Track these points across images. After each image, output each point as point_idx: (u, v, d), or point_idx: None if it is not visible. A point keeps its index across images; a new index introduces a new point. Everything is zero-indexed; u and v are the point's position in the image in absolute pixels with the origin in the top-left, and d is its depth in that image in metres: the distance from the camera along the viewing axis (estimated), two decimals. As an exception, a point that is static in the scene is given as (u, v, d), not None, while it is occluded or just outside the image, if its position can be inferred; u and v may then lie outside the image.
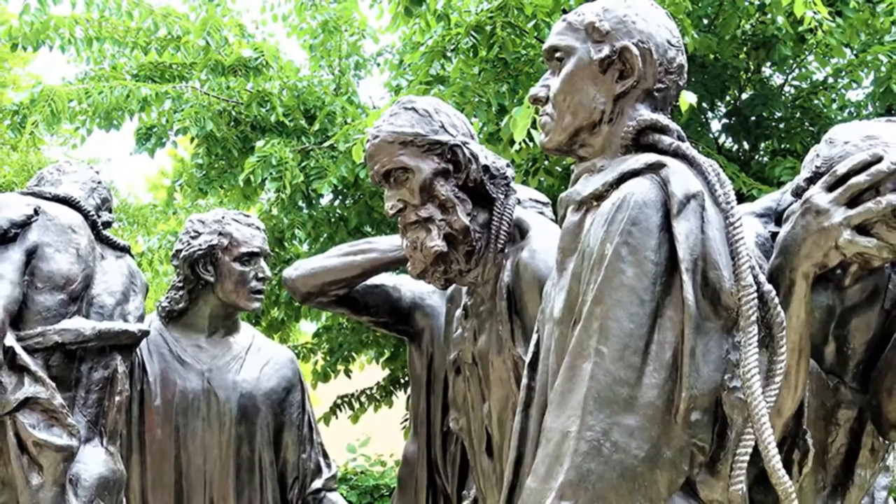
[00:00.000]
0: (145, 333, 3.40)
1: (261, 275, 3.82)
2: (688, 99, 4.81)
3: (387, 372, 8.63)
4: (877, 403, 2.35)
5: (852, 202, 2.10)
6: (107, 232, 3.43)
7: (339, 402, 8.70)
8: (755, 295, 1.94)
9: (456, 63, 6.51)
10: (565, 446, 1.88)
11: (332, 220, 7.82)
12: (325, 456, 3.99)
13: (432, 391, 3.39)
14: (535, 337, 2.29)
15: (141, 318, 3.38)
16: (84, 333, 3.15)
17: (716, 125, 7.73)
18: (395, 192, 2.78)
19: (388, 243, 3.28)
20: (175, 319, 3.85)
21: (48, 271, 3.14)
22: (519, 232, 2.80)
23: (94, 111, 7.15)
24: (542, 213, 3.35)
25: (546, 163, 6.63)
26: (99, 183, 3.53)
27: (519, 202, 2.91)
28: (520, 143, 5.57)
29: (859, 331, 2.35)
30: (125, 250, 3.45)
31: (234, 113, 7.60)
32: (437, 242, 2.73)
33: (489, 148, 3.48)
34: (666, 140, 2.10)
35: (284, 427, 3.90)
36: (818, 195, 2.14)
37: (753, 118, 7.30)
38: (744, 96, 7.54)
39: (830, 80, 7.43)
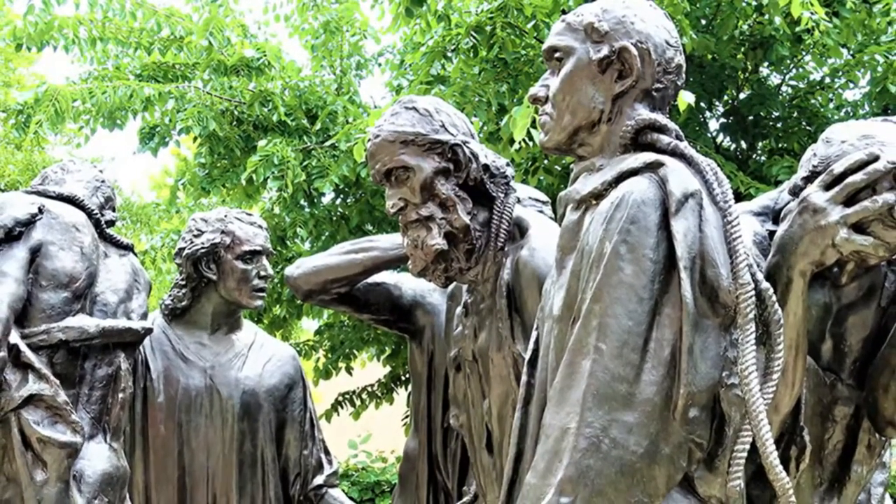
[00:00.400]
0: (148, 331, 3.41)
1: (263, 273, 3.84)
2: (686, 98, 4.81)
3: (388, 369, 8.64)
4: (873, 400, 2.36)
5: (849, 201, 2.11)
6: (110, 230, 3.44)
7: (340, 398, 8.72)
8: (753, 293, 1.94)
9: (456, 63, 6.53)
10: (564, 443, 1.89)
11: (334, 218, 7.84)
12: (327, 452, 4.01)
13: (433, 388, 3.41)
14: (534, 334, 2.29)
15: (144, 316, 3.40)
16: (88, 331, 3.16)
17: (714, 125, 7.75)
18: (396, 191, 2.78)
19: (390, 241, 3.29)
20: (178, 317, 3.86)
21: (52, 269, 3.15)
22: (519, 230, 2.80)
23: (98, 111, 7.17)
24: (541, 211, 3.36)
25: (545, 162, 6.64)
26: (102, 182, 3.55)
27: (519, 201, 2.91)
28: (519, 143, 5.58)
29: (856, 328, 2.36)
30: (129, 248, 3.47)
31: (236, 112, 7.62)
32: (437, 241, 2.73)
33: (489, 147, 3.49)
34: (664, 139, 2.10)
35: (286, 424, 3.91)
36: (815, 194, 2.15)
37: (751, 118, 7.32)
38: (741, 96, 7.55)
39: (827, 79, 7.45)
